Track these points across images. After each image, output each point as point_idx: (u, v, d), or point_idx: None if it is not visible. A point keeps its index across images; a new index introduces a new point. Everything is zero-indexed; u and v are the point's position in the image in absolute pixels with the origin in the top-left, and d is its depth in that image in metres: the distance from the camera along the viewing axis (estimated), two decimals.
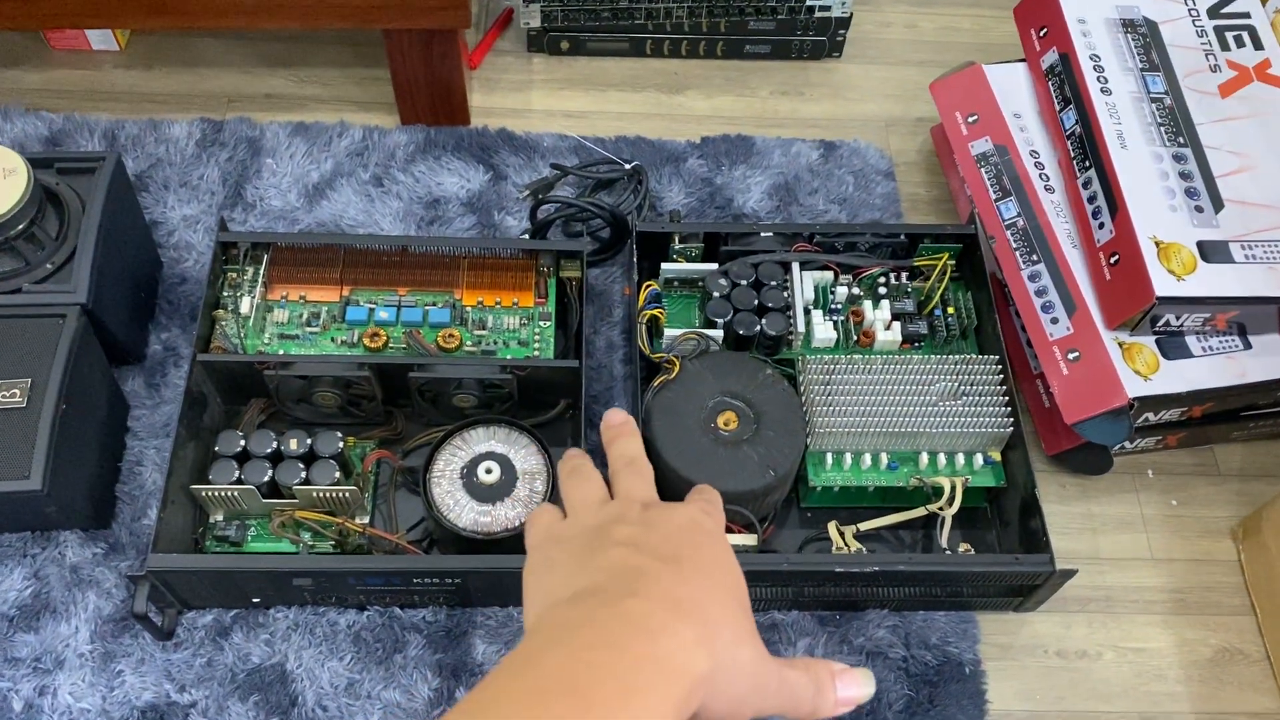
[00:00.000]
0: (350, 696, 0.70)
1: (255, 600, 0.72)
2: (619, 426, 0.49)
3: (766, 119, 1.01)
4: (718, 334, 0.79)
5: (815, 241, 0.84)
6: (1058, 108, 0.85)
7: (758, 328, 0.79)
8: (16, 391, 0.68)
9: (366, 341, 0.78)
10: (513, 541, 0.70)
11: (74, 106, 0.96)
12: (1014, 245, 0.83)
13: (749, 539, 0.72)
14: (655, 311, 0.78)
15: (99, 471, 0.75)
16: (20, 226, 0.71)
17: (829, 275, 0.83)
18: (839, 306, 0.83)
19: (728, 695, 0.37)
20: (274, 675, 0.70)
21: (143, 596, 0.67)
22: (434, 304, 0.80)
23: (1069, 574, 0.70)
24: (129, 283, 0.80)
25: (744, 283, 0.81)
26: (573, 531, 0.43)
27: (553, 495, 0.72)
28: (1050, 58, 0.87)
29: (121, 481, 0.77)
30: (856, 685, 0.40)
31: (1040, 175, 0.85)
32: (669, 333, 0.78)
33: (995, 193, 0.85)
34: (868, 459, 0.76)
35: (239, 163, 0.93)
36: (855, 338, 0.82)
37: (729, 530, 0.73)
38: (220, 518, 0.73)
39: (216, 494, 0.71)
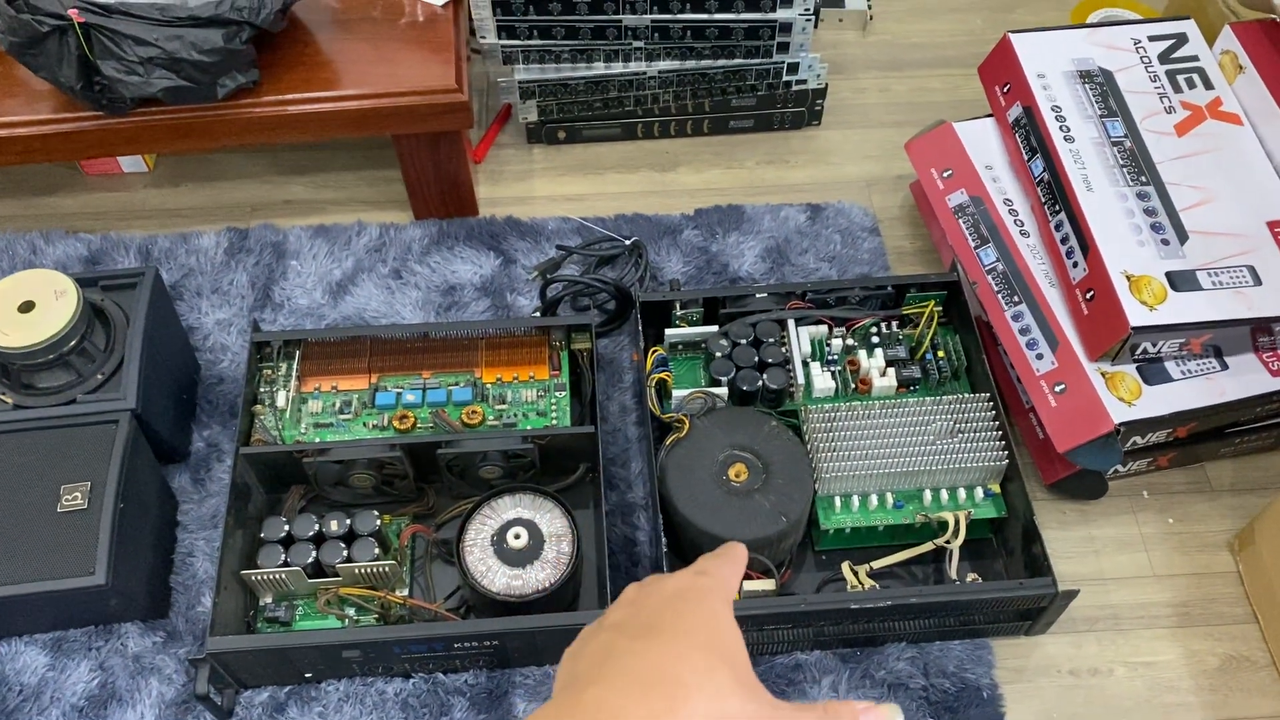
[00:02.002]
0: None
1: (307, 675, 0.76)
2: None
3: (755, 188, 1.07)
4: (723, 391, 0.84)
5: (808, 298, 0.89)
6: (1026, 157, 0.91)
7: (760, 383, 0.84)
8: (78, 494, 0.73)
9: (396, 424, 0.83)
10: (544, 602, 0.74)
11: (109, 226, 1.03)
12: (995, 288, 0.88)
13: (767, 584, 0.76)
14: (663, 374, 0.84)
15: (154, 564, 0.80)
16: (73, 343, 0.78)
17: (824, 329, 0.88)
18: (835, 357, 0.88)
19: None
20: None
21: (204, 678, 0.71)
22: (456, 384, 0.86)
23: (1072, 594, 0.74)
24: (172, 386, 0.86)
25: (744, 341, 0.86)
26: (582, 632, 0.45)
27: (579, 555, 0.76)
28: (1015, 111, 0.93)
29: (175, 572, 0.82)
30: (884, 718, 0.41)
31: (1015, 221, 0.90)
32: (677, 393, 0.83)
33: (974, 240, 0.90)
34: (874, 500, 0.80)
35: (266, 266, 0.99)
36: (853, 386, 0.87)
37: (748, 577, 0.77)
38: (270, 600, 0.78)
39: (265, 577, 0.76)
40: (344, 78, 0.92)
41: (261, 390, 0.85)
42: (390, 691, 0.76)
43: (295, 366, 0.86)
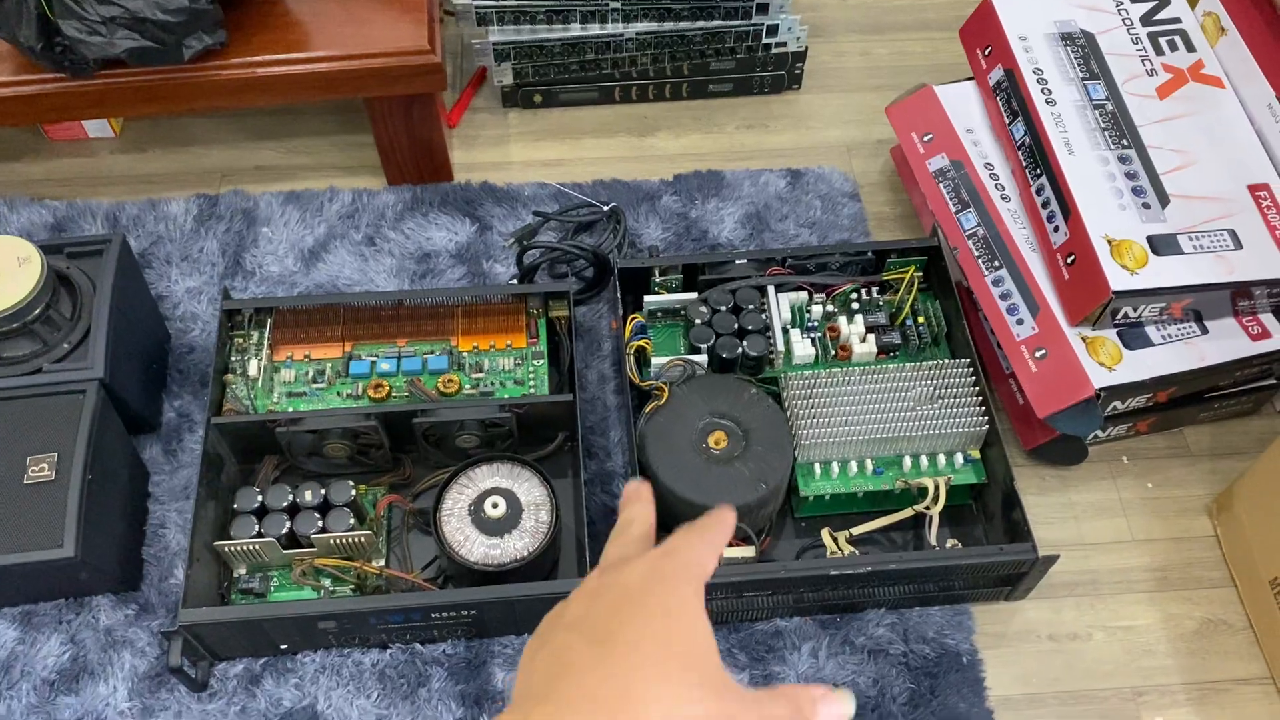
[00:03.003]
0: None
1: (283, 647, 0.75)
2: (626, 495, 0.48)
3: (734, 153, 1.06)
4: (702, 359, 0.83)
5: (788, 264, 0.88)
6: (1007, 121, 0.90)
7: (740, 350, 0.83)
8: (44, 466, 0.72)
9: (370, 393, 0.82)
10: (522, 571, 0.74)
11: (75, 193, 1.01)
12: (976, 254, 0.87)
13: (747, 551, 0.76)
14: (642, 342, 0.83)
15: (126, 536, 0.79)
16: (37, 311, 0.76)
17: (804, 295, 0.88)
18: (815, 324, 0.87)
19: None
20: (306, 717, 0.74)
21: (177, 651, 0.70)
22: (432, 352, 0.85)
23: (1051, 560, 0.74)
24: (141, 356, 0.85)
25: (723, 309, 0.85)
26: (544, 620, 0.42)
27: (558, 524, 0.76)
28: (996, 74, 0.92)
29: (147, 544, 0.81)
30: (838, 706, 0.40)
31: (996, 186, 0.89)
32: (656, 361, 0.82)
33: (955, 205, 0.90)
34: (854, 466, 0.80)
35: (236, 234, 0.97)
36: (833, 352, 0.86)
37: (729, 544, 0.76)
38: (243, 571, 0.77)
39: (239, 549, 0.75)
40: (314, 39, 0.90)
41: (233, 359, 0.84)
42: (367, 662, 0.76)
43: (267, 335, 0.85)
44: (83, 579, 0.75)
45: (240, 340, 0.85)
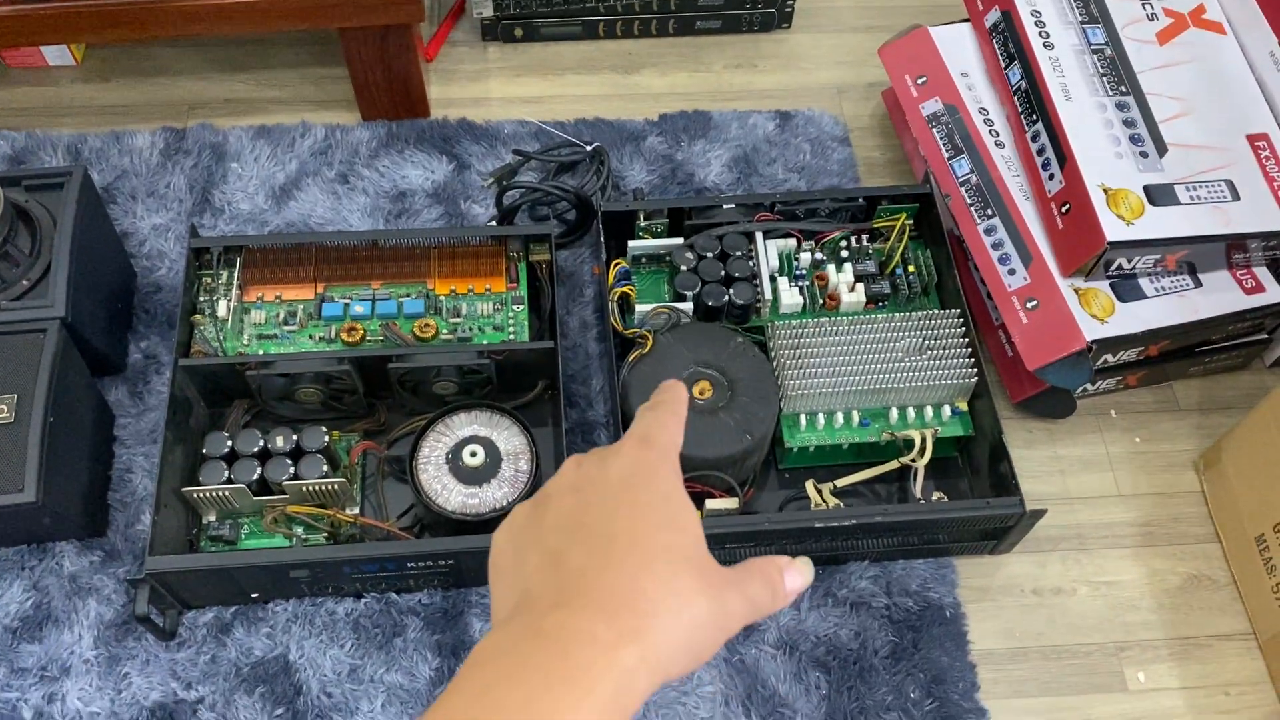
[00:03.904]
0: (353, 682, 0.72)
1: (254, 595, 0.73)
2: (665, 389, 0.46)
3: (722, 93, 1.03)
4: (688, 306, 0.81)
5: (776, 210, 0.86)
6: (1003, 65, 0.88)
7: (726, 298, 0.81)
8: (3, 407, 0.69)
9: (344, 336, 0.79)
10: (501, 521, 0.72)
11: (34, 124, 0.97)
12: (969, 201, 0.85)
13: (730, 503, 0.75)
14: (625, 289, 0.80)
15: (90, 481, 0.76)
16: None
17: (792, 242, 0.85)
18: (803, 272, 0.85)
19: (687, 654, 0.36)
20: (278, 667, 0.72)
21: (143, 599, 0.68)
22: (408, 295, 0.82)
23: (1039, 514, 0.73)
24: (105, 294, 0.81)
25: (710, 255, 0.83)
26: (518, 517, 0.41)
27: (538, 474, 0.74)
28: (993, 16, 0.89)
29: (113, 489, 0.78)
30: (800, 576, 0.41)
31: (990, 132, 0.87)
32: (640, 308, 0.80)
33: (948, 151, 0.87)
34: (840, 418, 0.78)
35: (204, 169, 0.93)
36: (821, 301, 0.84)
37: (710, 495, 0.75)
38: (213, 518, 0.75)
39: (208, 495, 0.72)
40: None
41: (201, 299, 0.81)
42: (341, 611, 0.74)
43: (237, 275, 0.82)
44: (45, 524, 0.72)
45: (209, 280, 0.82)
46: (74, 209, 0.77)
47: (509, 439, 0.75)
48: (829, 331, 0.79)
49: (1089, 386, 0.84)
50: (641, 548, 0.37)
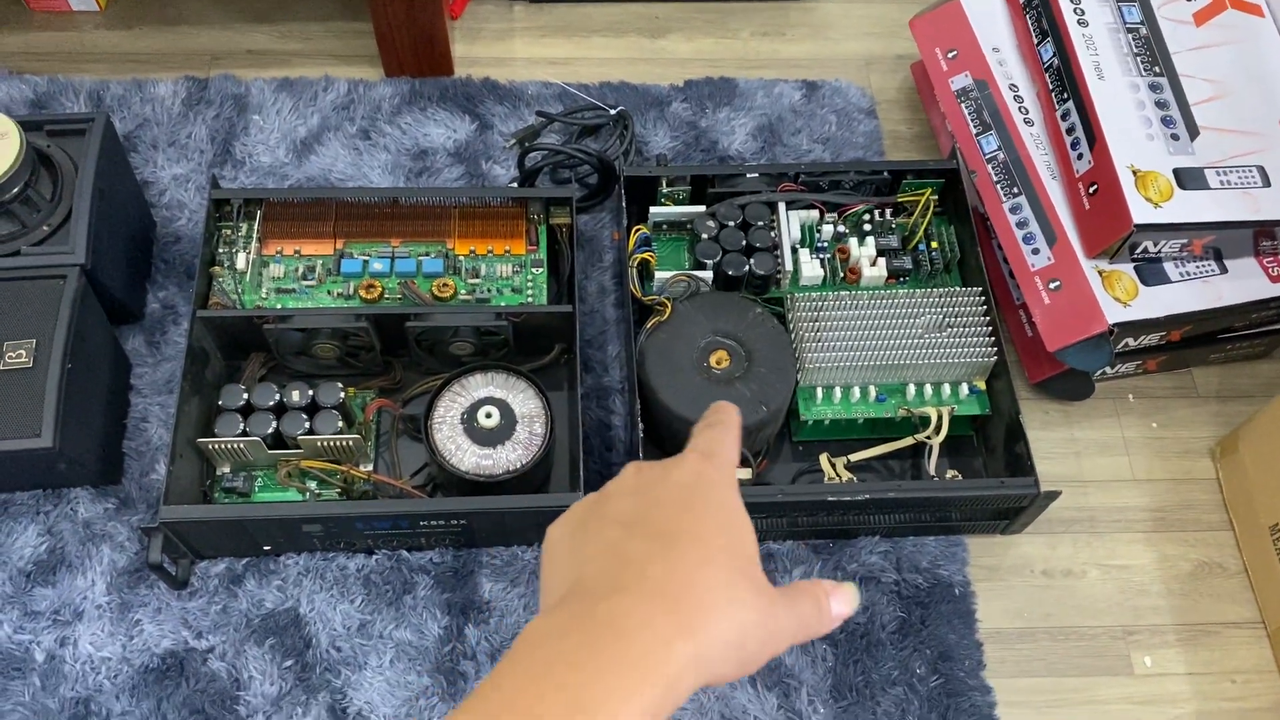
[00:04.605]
0: (363, 637, 0.72)
1: (266, 548, 0.74)
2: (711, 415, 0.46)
3: (749, 61, 1.02)
4: (707, 275, 0.80)
5: (800, 181, 0.85)
6: (1036, 41, 0.86)
7: (746, 268, 0.80)
8: (22, 352, 0.69)
9: (362, 293, 0.79)
10: (514, 483, 0.72)
11: (57, 69, 0.96)
12: (995, 178, 0.84)
13: (744, 473, 0.74)
14: (645, 255, 0.80)
15: (106, 428, 0.76)
16: (15, 190, 0.72)
17: (815, 214, 0.85)
18: (825, 244, 0.84)
19: (735, 658, 0.37)
20: (288, 619, 0.72)
21: (157, 547, 0.68)
22: (427, 254, 0.82)
23: (1053, 496, 0.73)
24: (125, 242, 0.81)
25: (731, 224, 0.82)
26: (577, 512, 0.42)
27: (552, 437, 0.74)
28: None
29: (128, 438, 0.78)
30: (847, 603, 0.41)
31: (1020, 109, 0.86)
32: (659, 275, 0.80)
33: (976, 127, 0.86)
34: (857, 392, 0.78)
35: (226, 120, 0.93)
36: (842, 274, 0.84)
37: None
38: (227, 470, 0.75)
39: (223, 447, 0.72)
40: None
41: (220, 251, 0.81)
42: (352, 567, 0.74)
43: (256, 228, 0.81)
44: (61, 470, 0.73)
45: (228, 232, 0.81)
46: (96, 156, 0.76)
47: (524, 401, 0.75)
48: (849, 305, 0.79)
49: (1108, 370, 0.84)
50: (703, 545, 0.38)
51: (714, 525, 0.39)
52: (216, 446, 0.73)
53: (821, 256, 0.84)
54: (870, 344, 0.77)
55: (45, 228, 0.74)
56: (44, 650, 0.71)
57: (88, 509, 0.75)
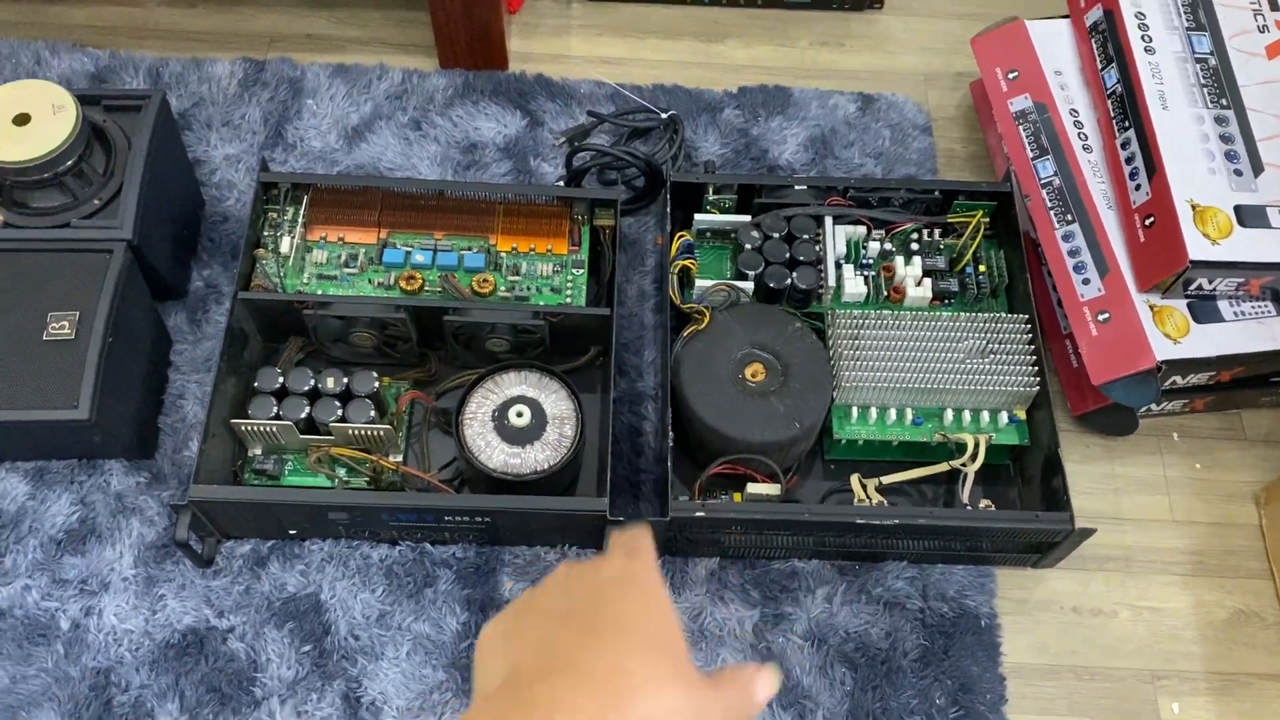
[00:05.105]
0: (381, 627, 0.72)
1: (291, 532, 0.74)
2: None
3: (805, 70, 1.01)
4: (748, 286, 0.79)
5: (849, 196, 0.84)
6: (1100, 66, 0.85)
7: (788, 281, 0.79)
8: (65, 324, 0.70)
9: (403, 284, 0.79)
10: (541, 484, 0.72)
11: (118, 44, 0.98)
12: (1049, 204, 0.82)
13: (773, 489, 0.74)
14: (687, 262, 0.79)
15: (143, 403, 0.77)
16: (69, 163, 0.73)
17: (861, 230, 0.84)
18: (870, 261, 0.83)
19: None
20: (309, 604, 0.73)
21: (184, 525, 0.69)
22: (469, 249, 0.81)
23: (1088, 533, 0.71)
24: (173, 220, 0.82)
25: (776, 236, 0.81)
26: (513, 608, 0.44)
27: (581, 440, 0.73)
28: (1095, 14, 0.86)
29: (164, 414, 0.79)
30: (770, 688, 0.43)
31: (1079, 134, 0.84)
32: (700, 283, 0.79)
33: (1033, 151, 0.85)
34: (893, 414, 0.77)
35: (280, 103, 0.94)
36: (885, 293, 0.83)
37: (753, 479, 0.74)
38: (259, 452, 0.76)
39: (256, 429, 0.73)
40: None
41: (265, 234, 0.81)
42: (375, 557, 0.75)
43: (302, 212, 0.82)
44: (96, 441, 0.74)
45: (275, 215, 0.82)
46: (150, 133, 0.77)
47: (556, 402, 0.74)
48: (890, 324, 0.78)
49: (1153, 406, 0.82)
50: (630, 635, 0.40)
51: (640, 617, 0.41)
52: (249, 428, 0.73)
53: (866, 274, 0.83)
54: (910, 366, 0.76)
55: (96, 201, 0.75)
56: (69, 619, 0.71)
57: (120, 481, 0.76)
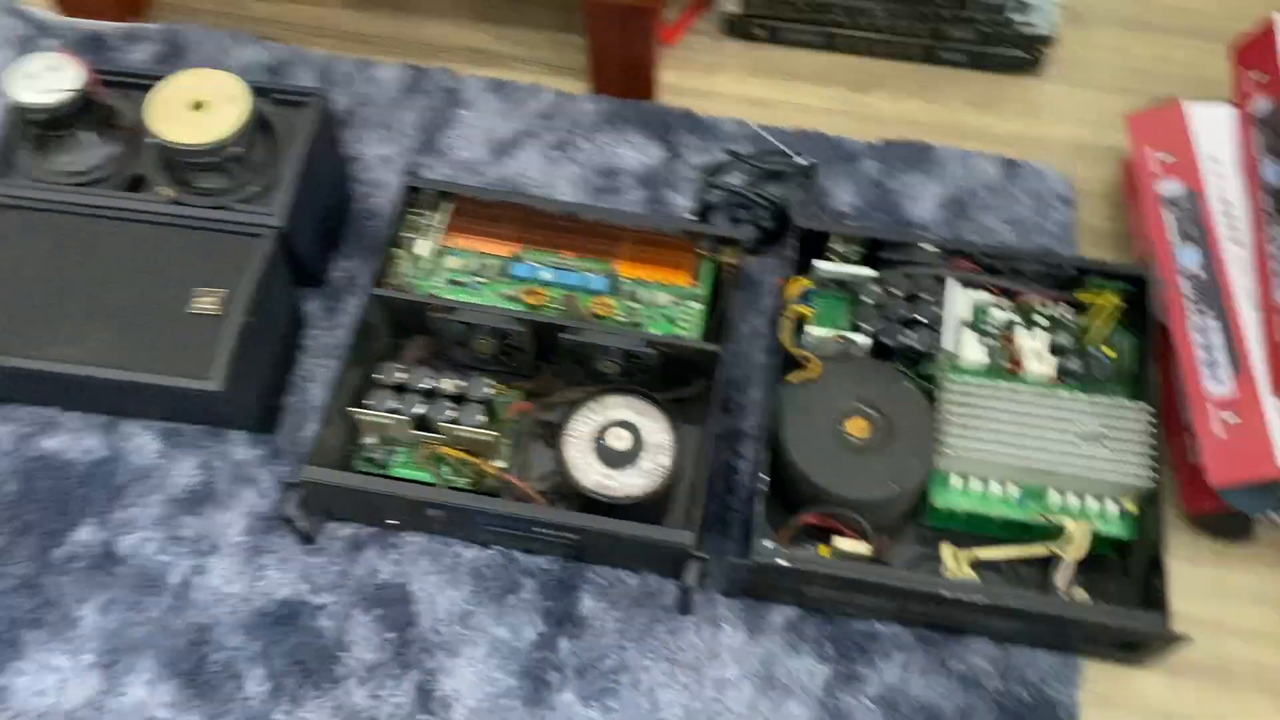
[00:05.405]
0: (462, 625, 0.75)
1: (391, 522, 0.77)
2: None
3: (952, 129, 1.00)
4: (863, 340, 0.79)
5: (978, 261, 0.83)
6: (1260, 159, 0.81)
7: (904, 339, 0.79)
8: (210, 300, 0.75)
9: (526, 298, 0.82)
10: (631, 509, 0.73)
11: (297, 39, 1.03)
12: (1187, 294, 0.80)
13: (861, 547, 0.73)
14: (804, 308, 0.80)
15: (271, 381, 0.82)
16: (236, 150, 0.78)
17: (987, 297, 0.82)
18: (992, 330, 0.82)
19: None
20: (397, 594, 0.76)
21: (293, 502, 0.73)
22: (593, 271, 0.84)
23: (1184, 640, 0.68)
24: (322, 211, 0.87)
25: (898, 293, 0.81)
26: None
27: (676, 471, 0.74)
28: (1264, 106, 0.83)
29: (290, 394, 0.84)
30: None
31: (1228, 226, 0.81)
32: (814, 331, 0.79)
33: (1177, 238, 0.82)
34: (996, 488, 0.75)
35: (436, 111, 0.98)
36: (1005, 365, 0.81)
37: (841, 534, 0.74)
38: (371, 441, 0.79)
39: (372, 419, 0.76)
40: None
41: (405, 235, 0.85)
42: (466, 556, 0.77)
43: (443, 219, 0.85)
44: (224, 413, 0.78)
45: (416, 218, 0.86)
46: (310, 130, 0.82)
47: (656, 431, 0.76)
48: (1005, 397, 0.77)
49: (1276, 516, 0.78)
50: None
51: None
52: (366, 418, 0.77)
53: (987, 343, 0.81)
54: (1020, 442, 0.74)
55: (253, 188, 0.80)
56: (179, 574, 0.76)
57: (241, 453, 0.81)
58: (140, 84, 0.82)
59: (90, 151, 0.81)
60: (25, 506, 0.78)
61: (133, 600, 0.75)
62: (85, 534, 0.77)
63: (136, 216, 0.79)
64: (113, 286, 0.76)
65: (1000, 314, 0.82)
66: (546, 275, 0.83)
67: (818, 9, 1.00)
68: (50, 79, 0.77)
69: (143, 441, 0.81)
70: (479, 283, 0.84)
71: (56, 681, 0.73)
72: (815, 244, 0.85)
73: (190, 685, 0.73)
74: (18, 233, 0.78)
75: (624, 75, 0.98)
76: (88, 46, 1.01)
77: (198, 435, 0.81)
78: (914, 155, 0.96)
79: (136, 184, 0.81)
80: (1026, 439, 0.75)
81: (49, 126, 0.79)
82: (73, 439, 0.81)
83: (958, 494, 0.76)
